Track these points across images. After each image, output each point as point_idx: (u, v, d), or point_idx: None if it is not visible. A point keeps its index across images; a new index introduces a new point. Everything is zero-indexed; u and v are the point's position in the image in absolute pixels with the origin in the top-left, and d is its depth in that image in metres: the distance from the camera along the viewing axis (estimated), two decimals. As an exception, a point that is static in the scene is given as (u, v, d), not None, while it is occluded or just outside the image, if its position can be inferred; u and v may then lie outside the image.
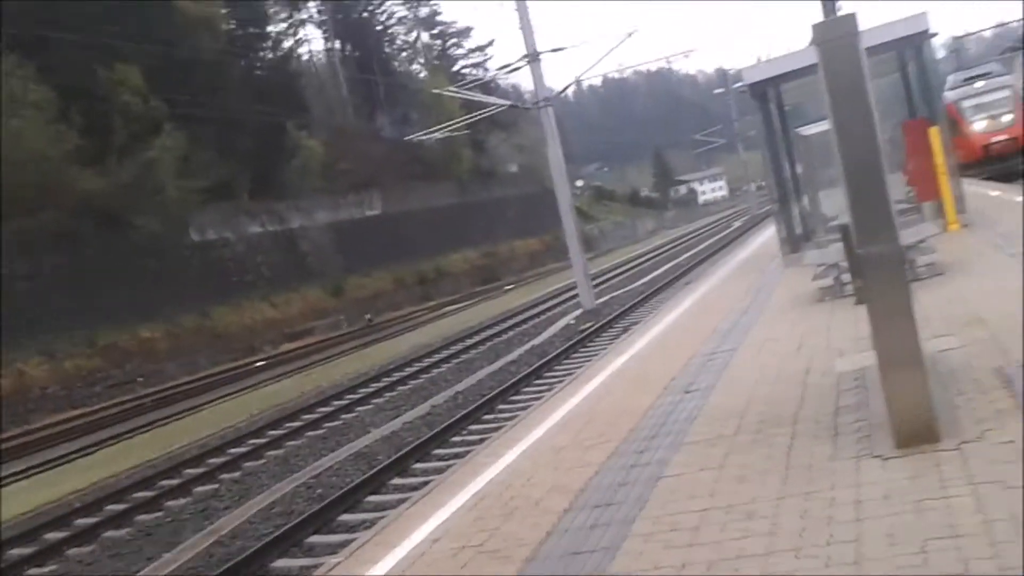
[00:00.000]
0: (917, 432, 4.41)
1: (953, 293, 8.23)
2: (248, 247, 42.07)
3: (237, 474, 12.44)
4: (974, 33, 50.36)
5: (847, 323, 8.30)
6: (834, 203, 15.09)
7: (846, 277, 9.75)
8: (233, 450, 14.11)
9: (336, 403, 16.51)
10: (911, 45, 14.12)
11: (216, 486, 11.97)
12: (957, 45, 49.64)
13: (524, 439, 6.98)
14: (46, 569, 9.90)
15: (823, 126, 15.31)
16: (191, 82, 40.85)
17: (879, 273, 4.57)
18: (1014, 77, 27.81)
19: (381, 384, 17.71)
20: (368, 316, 41.14)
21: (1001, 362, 5.46)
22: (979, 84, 27.90)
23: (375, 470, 10.11)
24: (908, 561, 3.25)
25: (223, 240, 40.76)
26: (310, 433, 14.26)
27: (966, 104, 27.14)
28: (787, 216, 15.60)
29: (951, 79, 30.46)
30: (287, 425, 15.28)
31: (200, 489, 11.94)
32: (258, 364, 29.68)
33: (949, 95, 27.32)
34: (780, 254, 15.27)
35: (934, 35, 14.65)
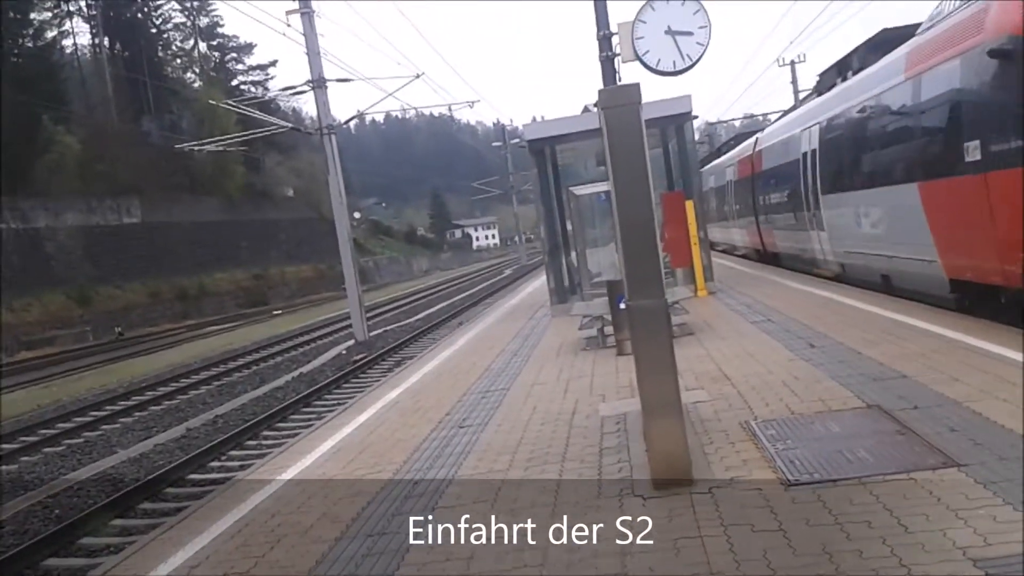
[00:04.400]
0: (673, 475, 4.79)
1: (702, 352, 9.05)
2: (-15, 243, 37.86)
3: (-36, 488, 11.10)
4: (726, 122, 55.61)
5: (609, 371, 8.90)
6: (599, 261, 16.20)
7: (609, 330, 10.48)
8: (-42, 462, 12.62)
9: (78, 419, 15.21)
10: (675, 124, 15.48)
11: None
12: (710, 130, 54.29)
13: (292, 466, 6.81)
14: None
15: (594, 187, 16.46)
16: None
17: (646, 325, 4.93)
18: None
19: (131, 403, 16.52)
20: (119, 329, 38.45)
21: (746, 417, 6.09)
22: None
23: (121, 493, 9.37)
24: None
25: (-41, 235, 36.50)
26: (48, 449, 13.05)
27: None
28: (556, 268, 16.39)
29: None
30: (21, 439, 13.94)
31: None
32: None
33: None
34: (549, 303, 16.00)
35: (695, 117, 16.19)
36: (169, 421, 14.33)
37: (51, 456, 12.59)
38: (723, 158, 26.99)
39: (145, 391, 18.00)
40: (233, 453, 11.15)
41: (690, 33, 13.09)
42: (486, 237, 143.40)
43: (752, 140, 21.78)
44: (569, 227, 17.11)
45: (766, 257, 20.42)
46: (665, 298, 5.01)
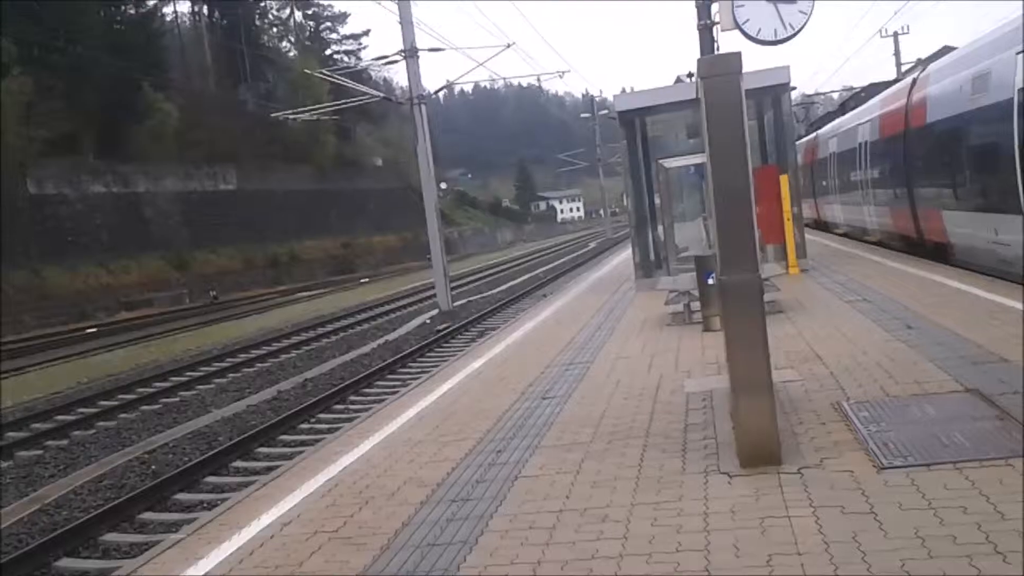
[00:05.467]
0: (761, 454, 4.71)
1: (793, 331, 8.84)
2: (88, 207, 39.72)
3: (64, 442, 11.76)
4: (824, 94, 53.76)
5: (694, 347, 8.79)
6: (685, 235, 15.92)
7: (695, 305, 10.33)
8: (61, 417, 13.41)
9: (175, 379, 15.87)
10: (771, 95, 15.01)
11: (40, 452, 11.30)
12: (807, 102, 52.52)
13: (379, 431, 6.97)
14: None
15: (684, 160, 16.15)
16: (45, 27, 38.46)
17: (738, 301, 4.81)
18: None
19: (225, 364, 17.16)
20: (213, 293, 39.82)
21: (839, 398, 5.94)
22: None
23: (215, 451, 9.78)
24: (754, 573, 3.48)
25: (62, 196, 38.43)
26: (145, 407, 13.64)
27: None
28: (643, 242, 16.18)
29: None
30: (121, 397, 14.62)
31: (23, 454, 11.24)
32: (90, 330, 28.11)
33: None
34: (634, 277, 15.85)
35: (793, 88, 15.66)
36: (261, 383, 14.83)
37: (148, 414, 13.17)
38: (851, 114, 21.96)
39: (238, 353, 18.66)
40: (322, 416, 11.48)
41: (792, 1, 12.64)
42: (571, 210, 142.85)
43: (905, 83, 16.02)
44: (657, 200, 16.83)
45: (925, 248, 14.77)
46: (759, 273, 4.89)
